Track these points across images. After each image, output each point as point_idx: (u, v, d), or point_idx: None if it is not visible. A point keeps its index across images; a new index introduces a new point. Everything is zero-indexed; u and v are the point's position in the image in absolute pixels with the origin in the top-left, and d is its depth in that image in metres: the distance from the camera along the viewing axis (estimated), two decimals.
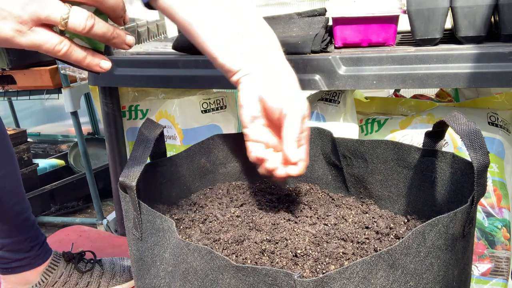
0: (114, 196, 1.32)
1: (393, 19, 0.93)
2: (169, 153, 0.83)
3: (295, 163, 0.60)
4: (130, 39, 0.52)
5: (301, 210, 0.72)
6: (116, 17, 0.51)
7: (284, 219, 0.68)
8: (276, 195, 0.78)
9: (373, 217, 0.68)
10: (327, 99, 1.05)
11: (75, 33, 0.49)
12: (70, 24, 0.47)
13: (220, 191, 0.80)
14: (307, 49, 0.93)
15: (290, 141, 0.59)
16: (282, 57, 0.61)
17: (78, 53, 0.50)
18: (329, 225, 0.66)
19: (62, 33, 0.49)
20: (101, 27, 0.49)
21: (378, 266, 0.46)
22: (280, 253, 0.59)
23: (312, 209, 0.72)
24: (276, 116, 0.60)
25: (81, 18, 0.47)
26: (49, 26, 0.48)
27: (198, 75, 1.00)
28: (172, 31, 1.72)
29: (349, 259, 0.58)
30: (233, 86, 0.62)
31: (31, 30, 0.46)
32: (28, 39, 0.47)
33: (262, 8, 1.76)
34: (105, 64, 0.52)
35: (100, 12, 0.50)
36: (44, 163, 2.22)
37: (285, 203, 0.75)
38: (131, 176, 0.58)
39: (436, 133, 0.65)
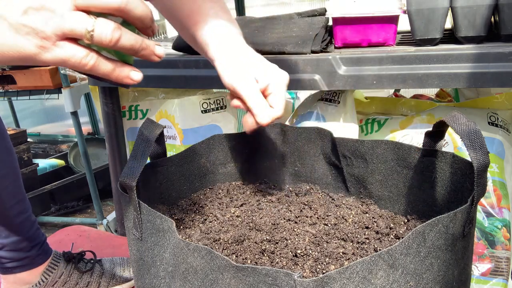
0: (114, 196, 1.32)
1: (393, 19, 0.93)
2: (169, 153, 0.83)
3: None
4: (160, 50, 0.49)
5: (301, 210, 0.72)
6: (144, 27, 0.48)
7: (284, 219, 0.68)
8: (276, 195, 0.78)
9: (373, 217, 0.68)
10: (327, 99, 1.05)
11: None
12: (96, 37, 0.44)
13: (220, 191, 0.80)
14: (307, 49, 0.93)
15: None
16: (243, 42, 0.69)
17: (106, 66, 0.46)
18: (329, 225, 0.66)
19: (88, 46, 0.46)
20: (129, 38, 0.45)
21: (378, 266, 0.46)
22: (280, 253, 0.59)
23: (312, 209, 0.72)
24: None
25: (107, 30, 0.44)
26: (74, 39, 0.45)
27: (198, 75, 1.00)
28: (172, 31, 1.72)
29: (349, 259, 0.58)
30: None
31: (55, 45, 0.44)
32: (53, 54, 0.44)
33: (262, 8, 1.76)
34: (135, 75, 0.49)
35: (127, 23, 0.47)
36: (44, 163, 2.22)
37: (285, 203, 0.75)
38: (131, 176, 0.58)
39: (436, 133, 0.65)
